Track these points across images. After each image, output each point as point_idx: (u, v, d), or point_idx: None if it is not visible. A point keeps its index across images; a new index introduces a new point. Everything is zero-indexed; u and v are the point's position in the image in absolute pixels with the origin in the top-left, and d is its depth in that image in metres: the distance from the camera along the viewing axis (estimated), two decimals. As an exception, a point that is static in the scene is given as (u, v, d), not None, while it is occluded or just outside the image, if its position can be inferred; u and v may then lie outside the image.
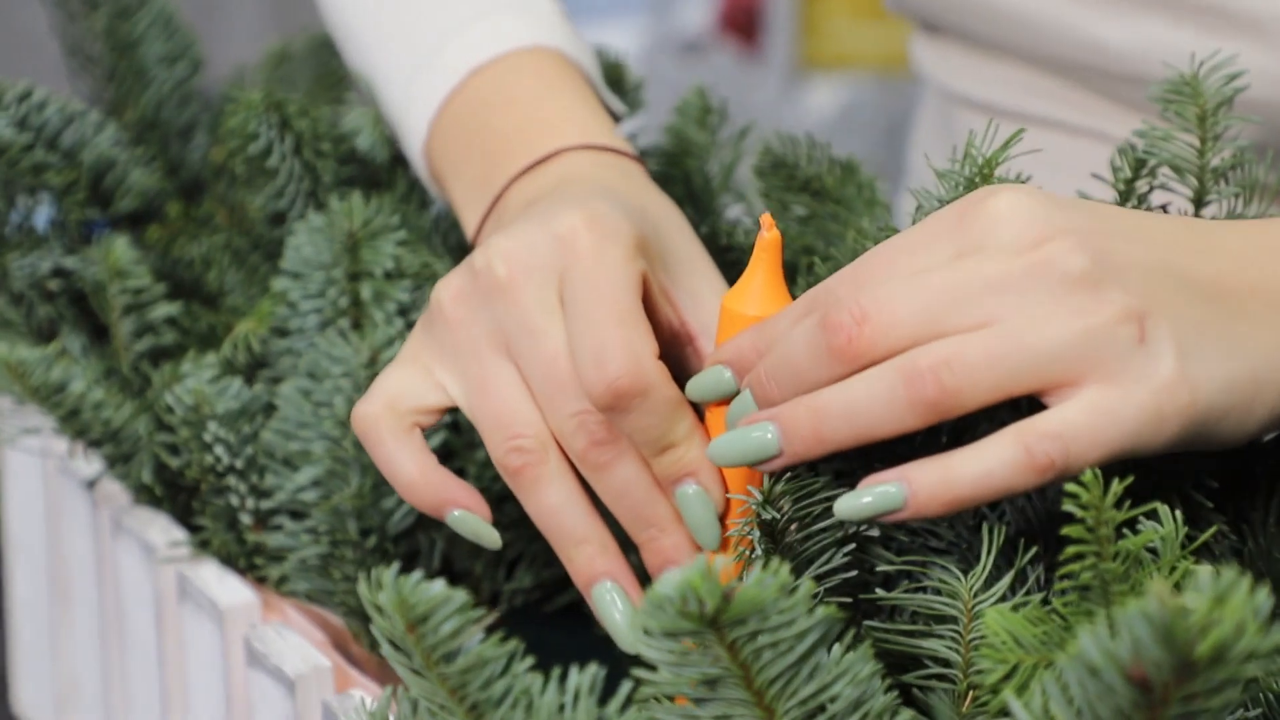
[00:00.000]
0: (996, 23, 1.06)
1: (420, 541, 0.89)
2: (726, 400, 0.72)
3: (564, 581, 0.91)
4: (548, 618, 0.92)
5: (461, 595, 0.59)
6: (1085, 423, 0.63)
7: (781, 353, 0.68)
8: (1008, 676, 0.60)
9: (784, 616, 0.58)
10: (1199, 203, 0.75)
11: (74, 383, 0.89)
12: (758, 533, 0.68)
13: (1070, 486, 0.60)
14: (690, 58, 2.75)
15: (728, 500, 0.74)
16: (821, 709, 0.61)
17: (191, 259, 0.98)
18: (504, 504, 0.90)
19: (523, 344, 0.75)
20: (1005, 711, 0.63)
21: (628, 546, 0.77)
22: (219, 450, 0.88)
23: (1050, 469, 0.63)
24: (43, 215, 1.02)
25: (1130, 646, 0.52)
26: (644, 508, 0.75)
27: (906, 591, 0.67)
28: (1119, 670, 0.53)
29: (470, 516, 0.77)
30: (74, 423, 0.90)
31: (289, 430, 0.87)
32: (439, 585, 0.59)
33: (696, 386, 0.73)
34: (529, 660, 0.61)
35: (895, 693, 0.61)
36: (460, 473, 0.88)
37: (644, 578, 0.77)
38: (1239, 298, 0.66)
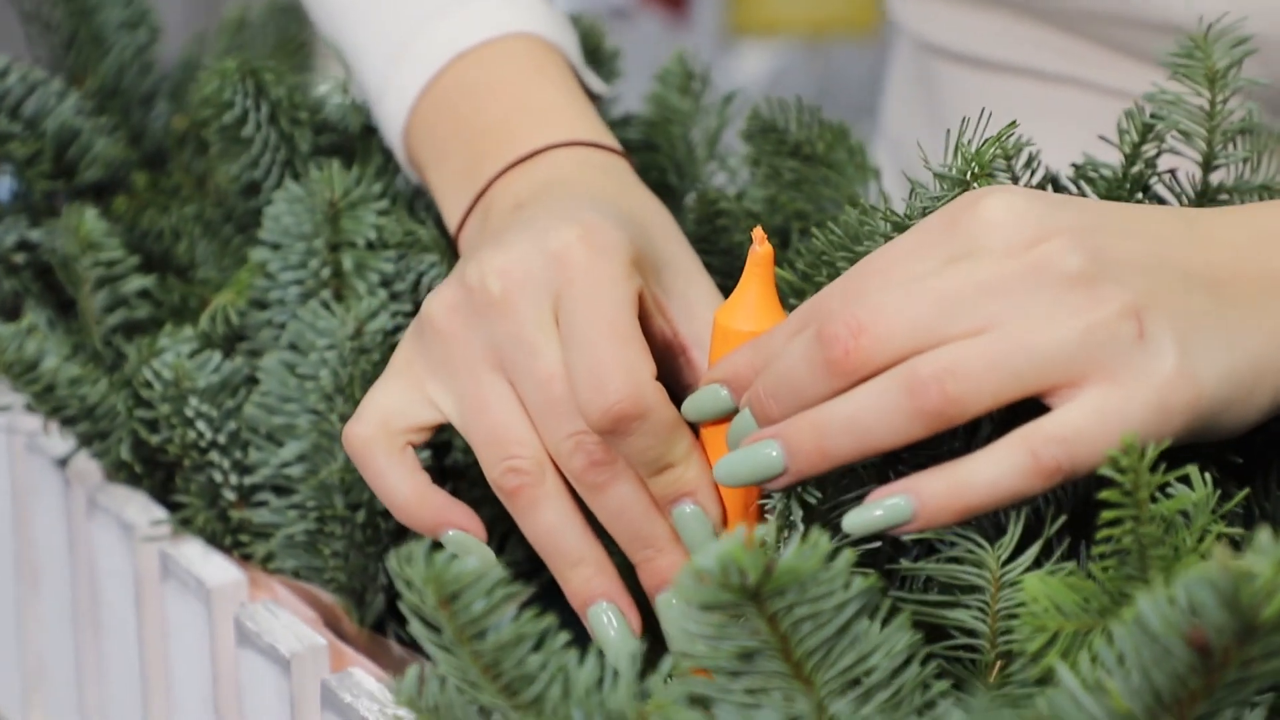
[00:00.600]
0: None
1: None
2: (724, 419, 0.71)
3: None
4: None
5: (497, 571, 0.58)
6: (1090, 425, 0.62)
7: (778, 369, 0.67)
8: (1049, 644, 0.59)
9: (824, 588, 0.57)
10: (1207, 167, 0.75)
11: (47, 358, 0.87)
12: (795, 505, 0.67)
13: (1108, 450, 0.59)
14: (617, 23, 2.73)
15: (725, 519, 0.74)
16: (858, 681, 0.60)
17: (161, 230, 0.95)
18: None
19: (519, 363, 0.74)
20: (1042, 679, 0.62)
21: (626, 571, 0.76)
22: (201, 425, 0.86)
23: (1058, 473, 0.62)
24: (4, 186, 0.99)
25: (1191, 611, 0.51)
26: (641, 528, 0.74)
27: (933, 562, 0.66)
28: (1178, 634, 0.52)
29: (466, 537, 0.76)
30: (48, 400, 0.87)
31: (272, 404, 0.86)
32: (472, 561, 0.58)
33: (694, 406, 0.72)
34: (564, 635, 0.60)
35: (933, 663, 0.60)
36: (440, 447, 0.87)
37: (642, 601, 0.76)
38: (1235, 287, 0.65)
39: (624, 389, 0.72)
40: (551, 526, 0.75)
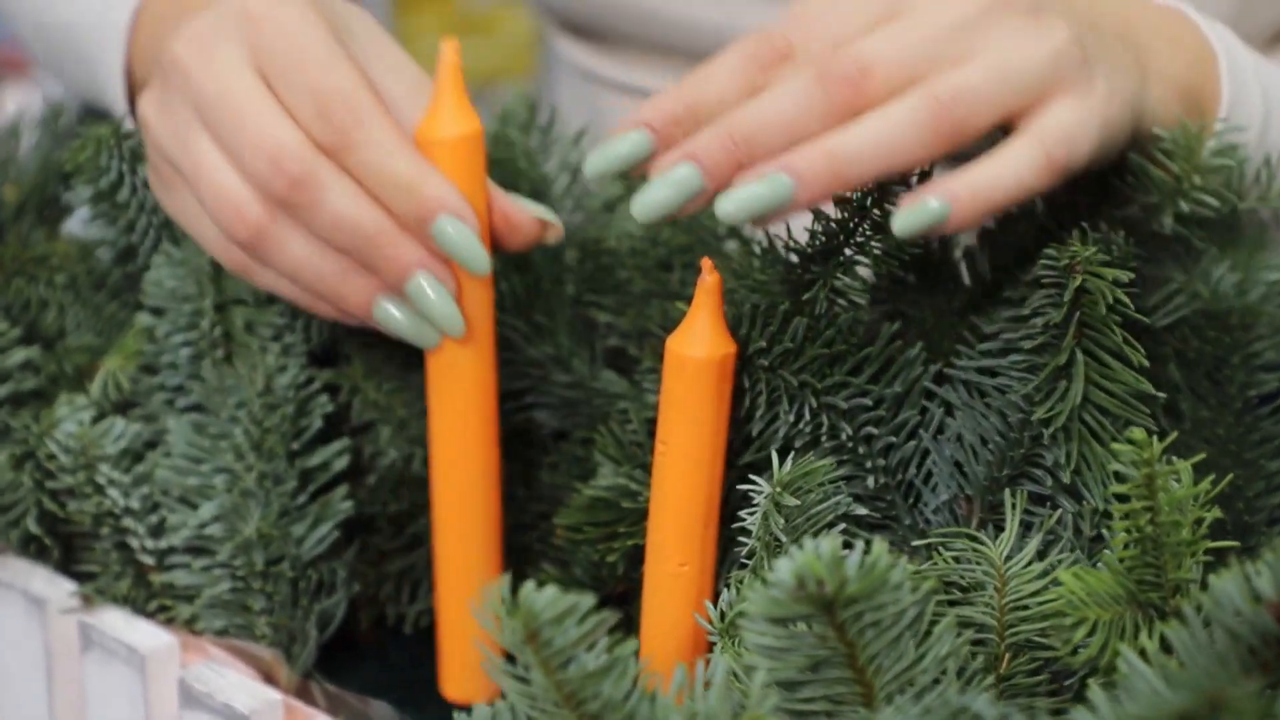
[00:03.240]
0: (650, 26, 1.10)
1: (334, 568, 0.88)
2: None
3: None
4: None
5: (588, 600, 0.60)
6: (1076, 127, 0.71)
7: (762, 112, 0.70)
8: (1089, 634, 0.63)
9: (890, 595, 0.61)
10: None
11: (-57, 436, 0.86)
12: (776, 515, 0.71)
13: (1119, 446, 0.64)
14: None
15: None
16: (912, 681, 0.63)
17: (28, 300, 0.94)
18: (404, 528, 0.90)
19: (211, 109, 0.75)
20: (1062, 671, 0.66)
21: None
22: (113, 492, 0.85)
23: (1062, 168, 0.70)
24: None
25: (1275, 584, 0.56)
26: (365, 226, 0.75)
27: (940, 562, 0.70)
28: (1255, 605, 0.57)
29: None
30: (-52, 478, 0.86)
31: (184, 466, 0.86)
32: (553, 591, 0.60)
33: (605, 155, 0.72)
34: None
35: (981, 659, 0.64)
36: (352, 495, 0.88)
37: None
38: (1113, 35, 0.76)
39: (342, 102, 0.73)
40: (302, 257, 0.76)
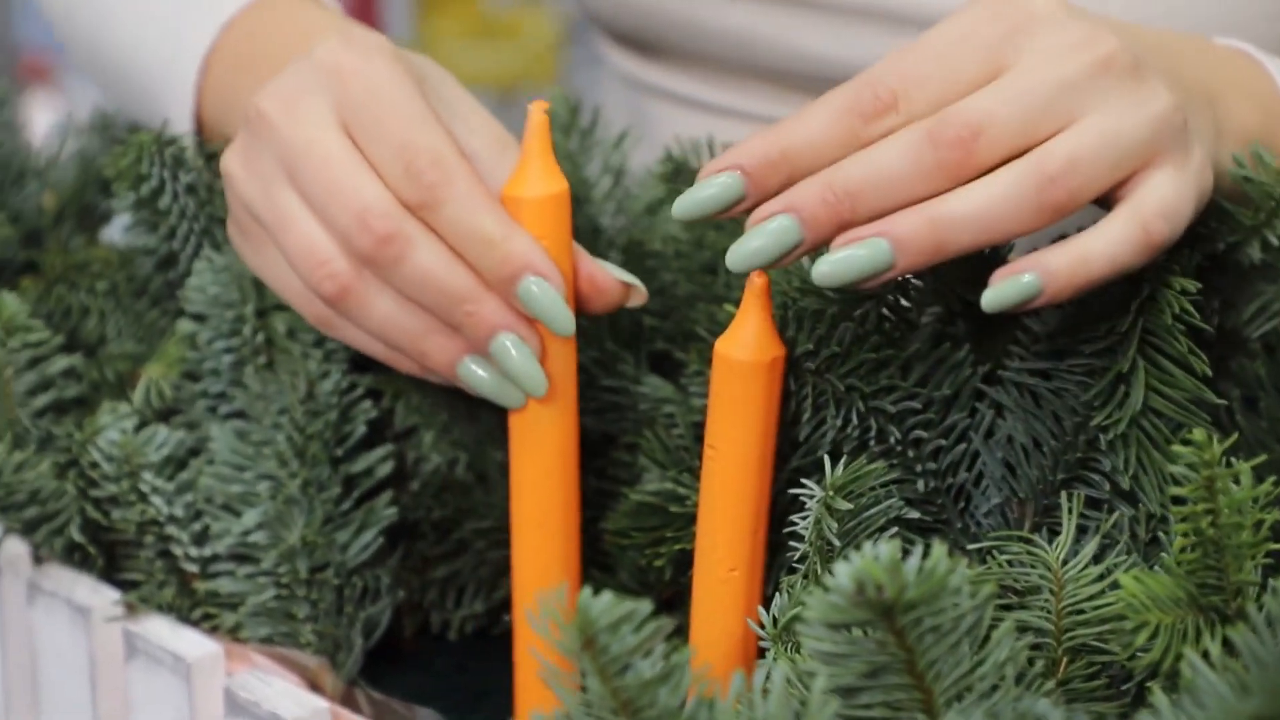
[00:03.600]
0: (700, 36, 1.09)
1: (378, 575, 0.87)
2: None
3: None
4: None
5: (644, 606, 0.59)
6: (1175, 199, 0.69)
7: (869, 166, 0.68)
8: (1151, 638, 0.63)
9: (950, 600, 0.60)
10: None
11: (-15, 446, 0.86)
12: (829, 519, 0.70)
13: (1179, 449, 0.64)
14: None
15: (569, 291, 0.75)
16: (970, 687, 0.63)
17: (69, 307, 0.94)
18: (449, 533, 0.90)
19: (297, 163, 0.74)
20: (1119, 675, 0.66)
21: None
22: (157, 500, 0.85)
23: (1161, 246, 0.69)
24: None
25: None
26: (451, 286, 0.74)
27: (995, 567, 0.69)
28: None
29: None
30: (-9, 488, 0.86)
31: (227, 474, 0.85)
32: (609, 597, 0.60)
33: (692, 200, 0.71)
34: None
35: (1041, 663, 0.64)
36: (396, 501, 0.87)
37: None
38: (1197, 94, 0.74)
39: (430, 159, 0.72)
40: (387, 315, 0.75)
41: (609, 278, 0.77)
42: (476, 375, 0.76)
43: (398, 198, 0.73)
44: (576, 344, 0.77)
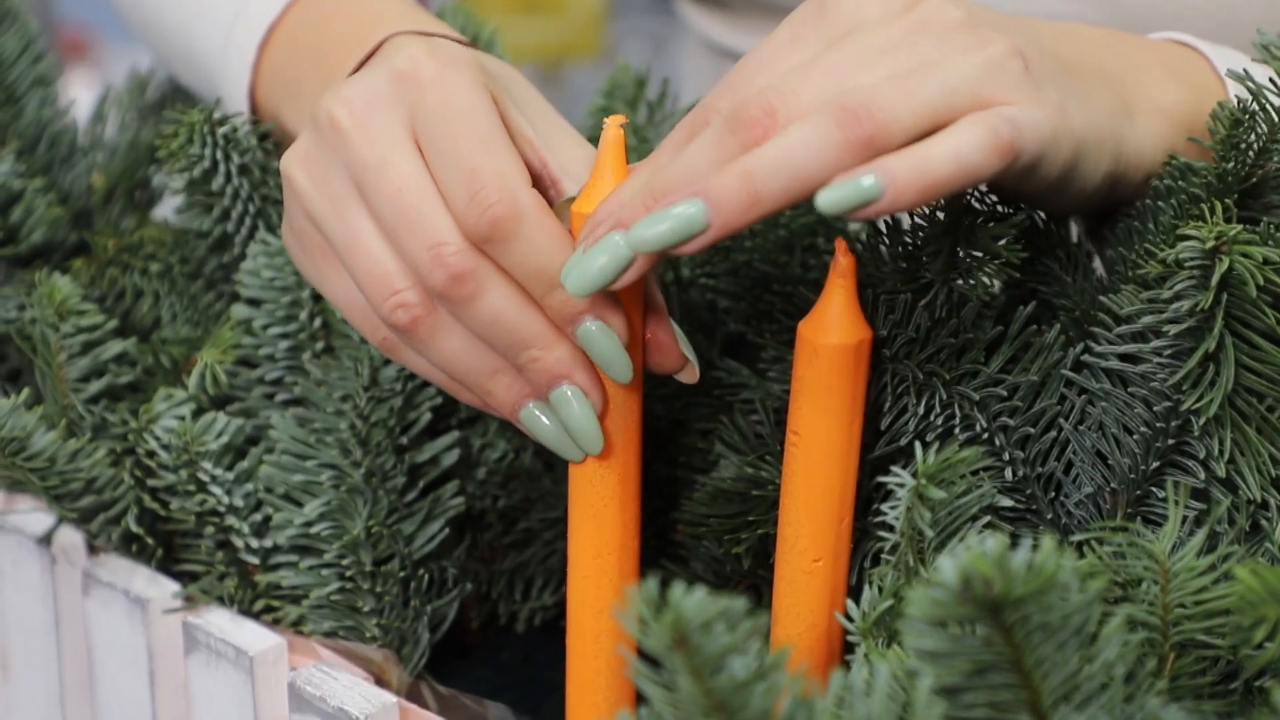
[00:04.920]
0: None
1: (444, 566, 0.85)
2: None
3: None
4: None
5: (740, 603, 0.57)
6: (1024, 118, 0.66)
7: (678, 166, 0.66)
8: (1269, 635, 0.60)
9: (1059, 595, 0.57)
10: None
11: (40, 434, 0.83)
12: (921, 508, 0.67)
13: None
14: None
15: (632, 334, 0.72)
16: (1078, 686, 0.60)
17: (122, 290, 0.91)
18: (516, 523, 0.87)
19: (369, 183, 0.71)
20: (1227, 671, 0.63)
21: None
22: (216, 490, 0.83)
23: (1010, 150, 0.66)
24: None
25: None
26: (519, 329, 0.71)
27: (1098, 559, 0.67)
28: None
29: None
30: (48, 477, 0.83)
31: (289, 463, 0.83)
32: (703, 594, 0.57)
33: (588, 272, 0.68)
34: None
35: (1154, 661, 0.61)
36: (462, 490, 0.85)
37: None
38: (1081, 70, 0.72)
39: (499, 189, 0.69)
40: (456, 350, 0.72)
41: (673, 341, 0.74)
42: (539, 422, 0.73)
43: (462, 227, 0.70)
44: (642, 399, 0.74)
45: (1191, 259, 0.69)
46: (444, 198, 0.70)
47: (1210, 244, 0.68)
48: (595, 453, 0.73)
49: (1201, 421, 0.70)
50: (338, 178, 0.72)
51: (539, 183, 0.74)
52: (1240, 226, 0.68)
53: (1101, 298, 0.74)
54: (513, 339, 0.71)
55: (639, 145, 0.93)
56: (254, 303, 0.86)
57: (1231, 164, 0.73)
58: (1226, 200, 0.72)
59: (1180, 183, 0.74)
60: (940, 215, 0.74)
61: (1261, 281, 0.68)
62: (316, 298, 0.85)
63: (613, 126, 0.72)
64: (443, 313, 0.71)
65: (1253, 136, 0.73)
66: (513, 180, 0.70)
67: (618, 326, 0.71)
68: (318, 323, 0.85)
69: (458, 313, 0.71)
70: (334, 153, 0.72)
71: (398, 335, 0.73)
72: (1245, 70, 0.75)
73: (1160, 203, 0.75)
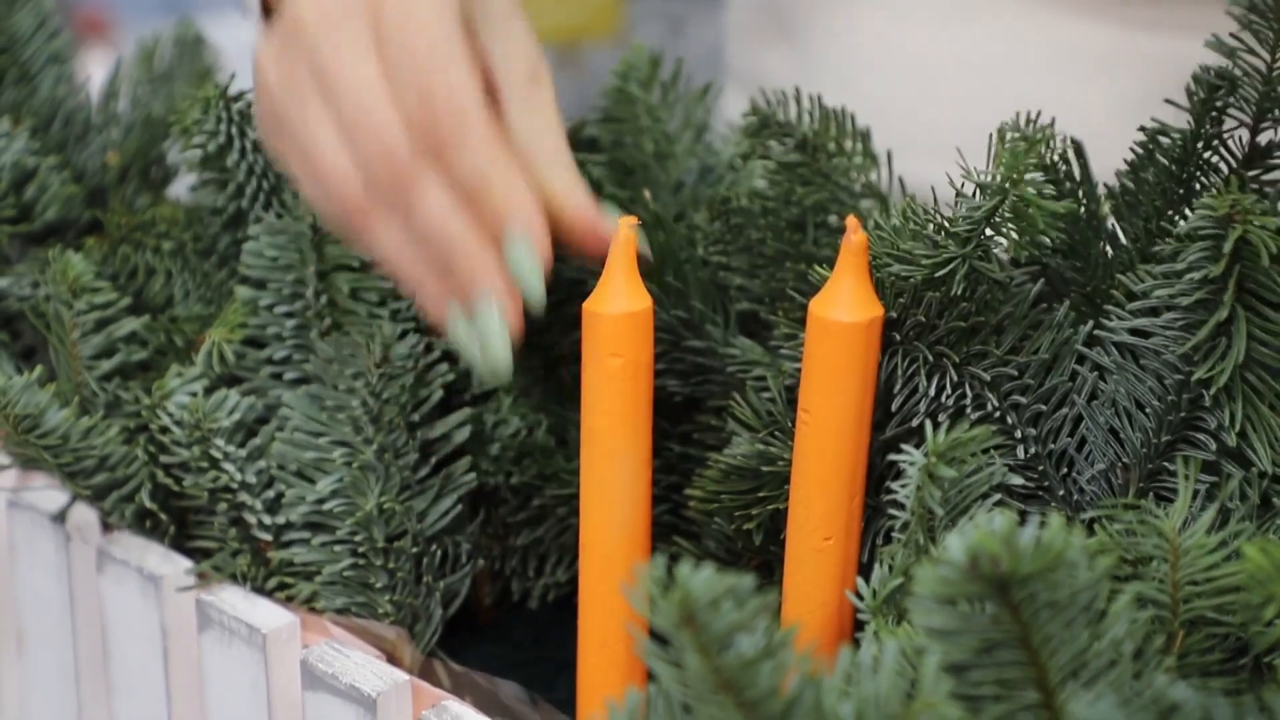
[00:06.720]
0: None
1: (457, 543, 0.85)
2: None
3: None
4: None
5: (748, 581, 0.57)
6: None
7: None
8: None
9: (1067, 573, 0.57)
10: (1255, 129, 0.76)
11: (54, 410, 0.83)
12: (931, 487, 0.67)
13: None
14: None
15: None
16: (1086, 663, 0.60)
17: (135, 268, 0.91)
18: (529, 499, 0.87)
19: (329, 83, 0.75)
20: (1236, 648, 0.63)
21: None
22: (229, 467, 0.83)
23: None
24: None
25: None
26: (452, 234, 0.75)
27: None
28: None
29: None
30: (61, 454, 0.83)
31: (301, 440, 0.83)
32: (710, 571, 0.57)
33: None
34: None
35: (1163, 639, 0.61)
36: (474, 467, 0.85)
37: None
38: None
39: (445, 101, 0.74)
40: (398, 244, 0.76)
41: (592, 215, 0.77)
42: (456, 326, 0.76)
43: (410, 134, 0.74)
44: (653, 377, 0.75)
45: (1204, 229, 0.68)
46: (397, 105, 0.74)
47: (1223, 211, 0.68)
48: (500, 368, 0.75)
49: (1212, 392, 0.70)
50: (301, 75, 0.76)
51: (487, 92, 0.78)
52: (1254, 195, 0.68)
53: (1119, 276, 0.74)
54: (446, 242, 0.75)
55: (653, 125, 0.93)
56: (259, 284, 0.86)
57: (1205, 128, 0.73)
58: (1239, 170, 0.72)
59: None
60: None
61: (1275, 251, 0.68)
62: (321, 275, 0.85)
63: (624, 228, 0.73)
64: (383, 209, 0.75)
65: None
66: (461, 94, 0.74)
67: (542, 242, 0.74)
68: (323, 300, 0.85)
69: (399, 212, 0.75)
70: (300, 55, 0.76)
71: (341, 230, 0.77)
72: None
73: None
